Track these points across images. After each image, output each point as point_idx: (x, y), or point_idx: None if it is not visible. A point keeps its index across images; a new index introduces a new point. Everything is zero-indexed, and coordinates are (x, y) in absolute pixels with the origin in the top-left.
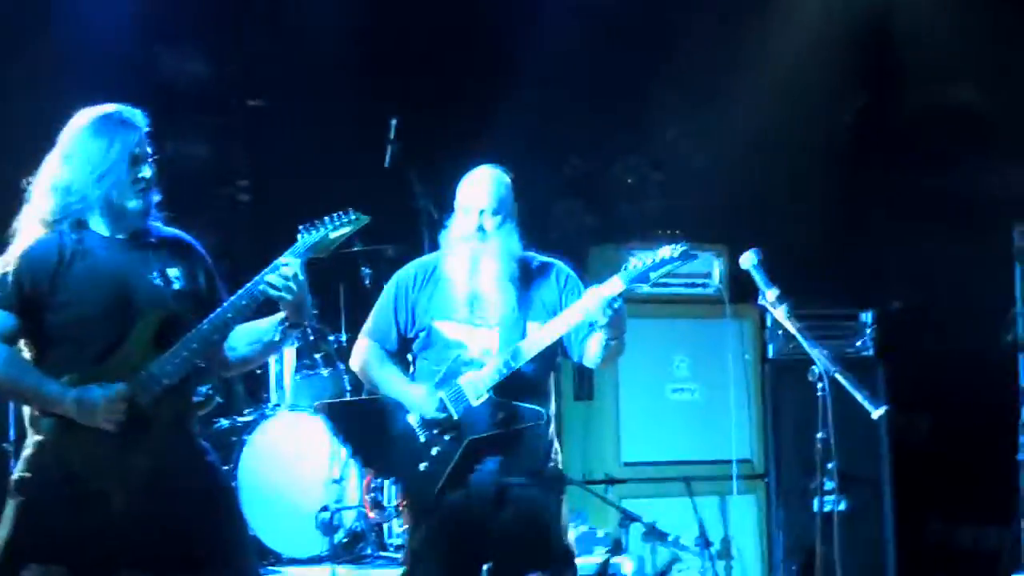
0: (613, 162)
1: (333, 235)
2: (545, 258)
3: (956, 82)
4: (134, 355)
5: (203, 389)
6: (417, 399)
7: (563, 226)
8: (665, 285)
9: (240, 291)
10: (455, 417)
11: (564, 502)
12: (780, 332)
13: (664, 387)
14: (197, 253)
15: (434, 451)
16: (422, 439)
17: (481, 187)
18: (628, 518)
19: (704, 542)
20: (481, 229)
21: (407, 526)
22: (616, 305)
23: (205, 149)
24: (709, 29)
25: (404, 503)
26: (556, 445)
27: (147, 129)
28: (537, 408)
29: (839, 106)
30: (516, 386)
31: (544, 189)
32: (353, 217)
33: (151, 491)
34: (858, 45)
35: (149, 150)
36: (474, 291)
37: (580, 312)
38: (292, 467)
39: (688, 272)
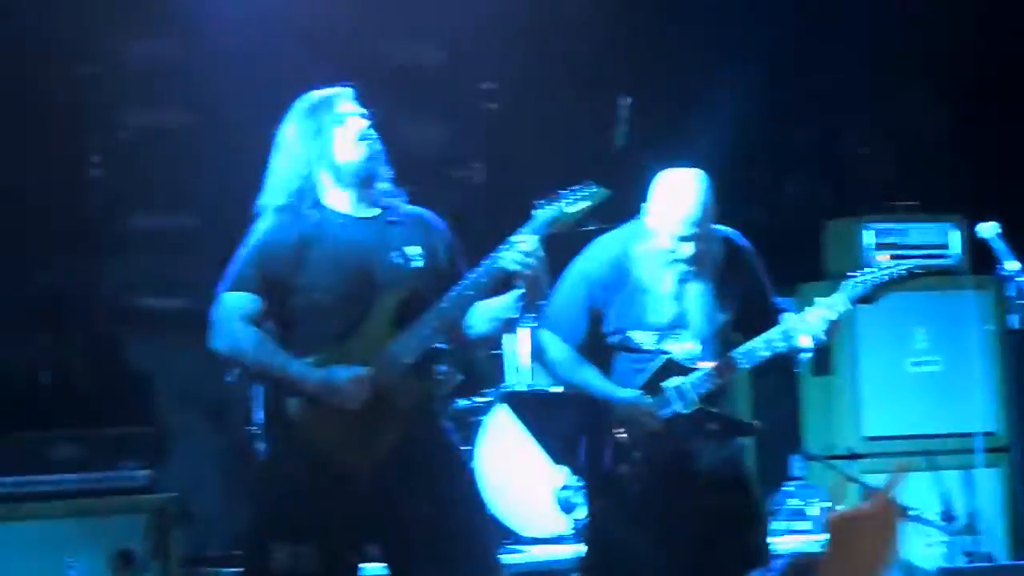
0: (845, 132)
1: (570, 209)
2: (737, 238)
3: None
4: (376, 334)
5: (444, 368)
6: (624, 400)
7: (795, 201)
8: (904, 257)
9: (478, 268)
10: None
11: None
12: (1022, 303)
13: (904, 360)
14: (439, 230)
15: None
16: (624, 440)
17: (695, 204)
18: (870, 493)
19: (948, 516)
20: (693, 257)
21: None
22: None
23: (440, 132)
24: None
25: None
26: None
27: (359, 101)
28: (755, 422)
29: None
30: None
31: (774, 163)
32: (592, 191)
33: (395, 469)
34: None
35: (364, 117)
36: (673, 309)
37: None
38: (530, 446)
39: (927, 243)
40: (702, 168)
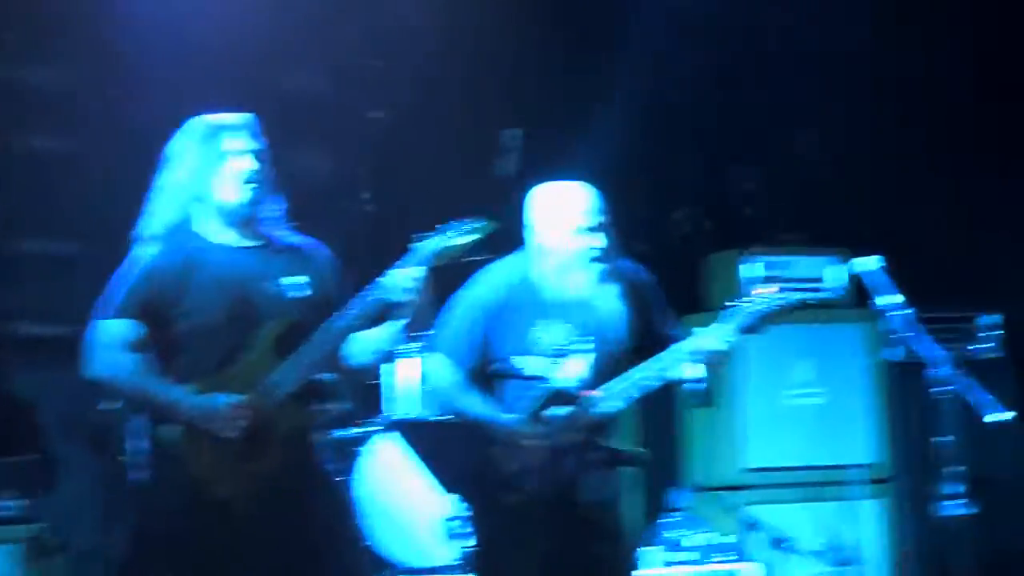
0: (732, 167)
1: (457, 242)
2: (639, 270)
3: None
4: (257, 363)
5: (323, 398)
6: (508, 428)
7: (680, 231)
8: (788, 290)
9: (361, 299)
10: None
11: None
12: (902, 335)
13: (786, 392)
14: (323, 260)
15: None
16: (510, 468)
17: (589, 202)
18: (751, 525)
19: (829, 548)
20: (603, 250)
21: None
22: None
23: (328, 161)
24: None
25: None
26: None
27: (252, 130)
28: (641, 451)
29: (967, 107)
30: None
31: (660, 195)
32: (479, 224)
33: (270, 499)
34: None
35: (254, 148)
36: (584, 316)
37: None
38: (413, 476)
39: (810, 276)
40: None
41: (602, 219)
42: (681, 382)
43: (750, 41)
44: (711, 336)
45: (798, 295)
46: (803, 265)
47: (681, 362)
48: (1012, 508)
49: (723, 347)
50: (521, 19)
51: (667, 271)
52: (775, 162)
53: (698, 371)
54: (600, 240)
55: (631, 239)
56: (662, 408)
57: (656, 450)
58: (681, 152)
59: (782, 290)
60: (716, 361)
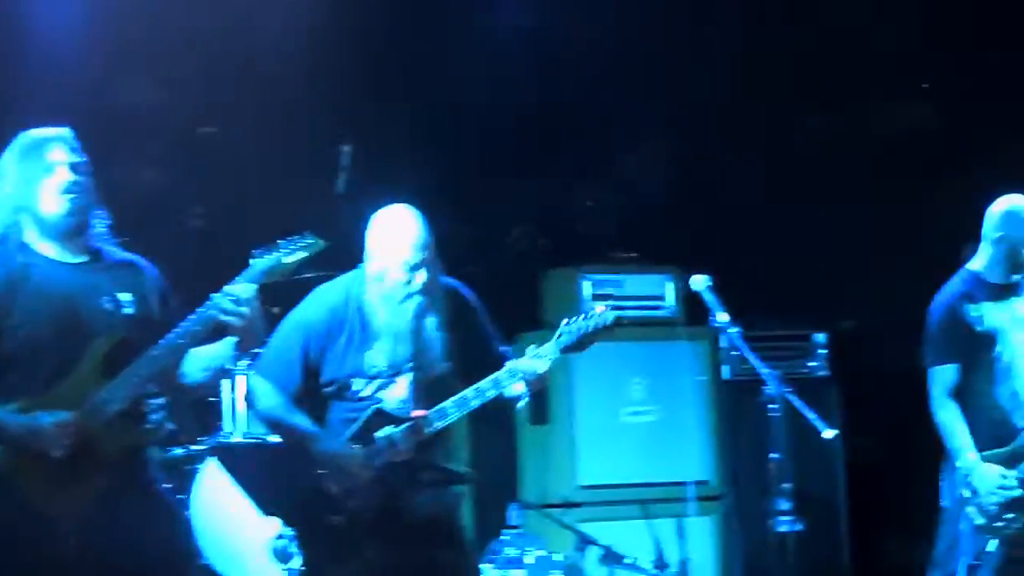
0: (570, 186)
1: (287, 260)
2: (461, 288)
3: (920, 106)
4: (84, 381)
5: (155, 416)
6: (331, 450)
7: (517, 249)
8: (621, 308)
9: (192, 316)
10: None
11: None
12: (734, 353)
13: (620, 410)
14: (151, 277)
15: (351, 503)
16: (335, 490)
17: (417, 235)
18: (585, 541)
19: (661, 564)
20: (426, 284)
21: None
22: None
23: (159, 176)
24: (677, 51)
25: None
26: None
27: (72, 144)
28: (464, 471)
29: (794, 129)
30: (434, 439)
31: (499, 212)
32: (309, 241)
33: (100, 518)
34: (818, 64)
35: (74, 161)
36: (409, 346)
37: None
38: (241, 497)
39: (643, 294)
40: (424, 218)
41: (427, 254)
42: (512, 400)
43: (584, 62)
44: (535, 356)
45: (616, 313)
46: (636, 283)
47: (508, 381)
48: (834, 525)
49: (543, 368)
50: (355, 35)
51: (504, 288)
52: (609, 181)
53: (523, 387)
54: (423, 276)
55: (467, 256)
56: (497, 426)
57: (491, 467)
58: (518, 171)
59: (611, 308)
60: (539, 380)
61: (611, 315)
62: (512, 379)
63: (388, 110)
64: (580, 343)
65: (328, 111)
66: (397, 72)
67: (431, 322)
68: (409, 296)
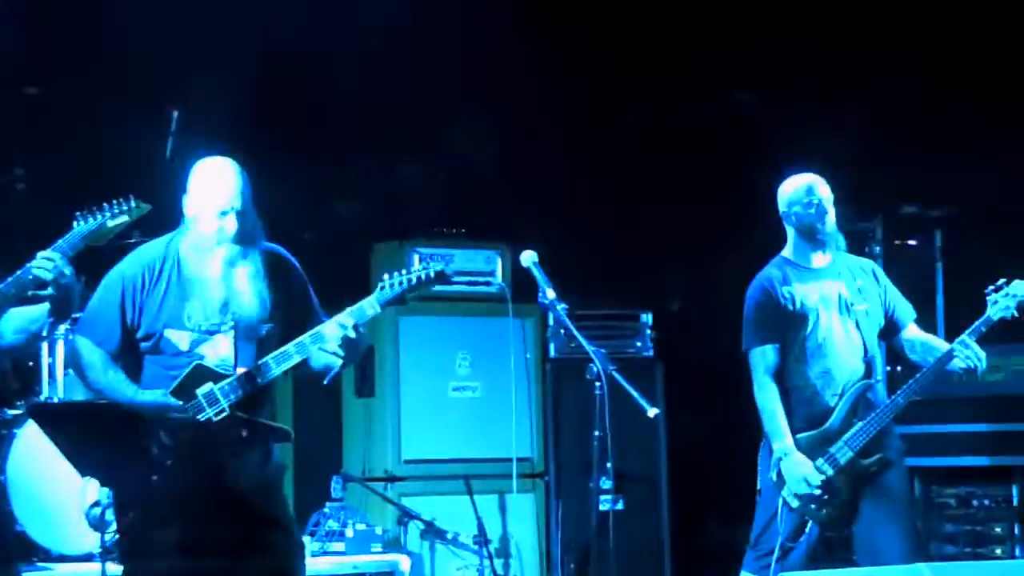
0: (399, 160)
1: (111, 223)
2: (282, 251)
3: (736, 88)
4: None
5: None
6: (150, 404)
7: (346, 222)
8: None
9: (9, 279)
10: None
11: None
12: (561, 331)
13: (446, 385)
14: None
15: (169, 462)
16: (154, 449)
17: (232, 183)
18: (407, 515)
19: (482, 540)
20: (239, 233)
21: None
22: (354, 334)
23: None
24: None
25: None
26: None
27: None
28: (286, 428)
29: (622, 109)
30: (257, 399)
31: (327, 186)
32: (132, 205)
33: None
34: (640, 49)
35: None
36: (222, 294)
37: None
38: (63, 462)
39: (471, 270)
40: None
41: (239, 202)
42: (332, 365)
43: (416, 35)
44: (357, 310)
45: (438, 267)
46: (465, 258)
47: (331, 334)
48: (655, 504)
49: (370, 313)
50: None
51: (332, 261)
52: (442, 157)
53: (337, 332)
54: (233, 221)
55: (296, 228)
56: (322, 397)
57: (315, 439)
58: (349, 143)
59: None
60: (359, 339)
61: (434, 268)
62: (339, 335)
63: (218, 78)
64: (402, 296)
65: (153, 71)
66: (228, 41)
67: (244, 271)
68: (220, 242)
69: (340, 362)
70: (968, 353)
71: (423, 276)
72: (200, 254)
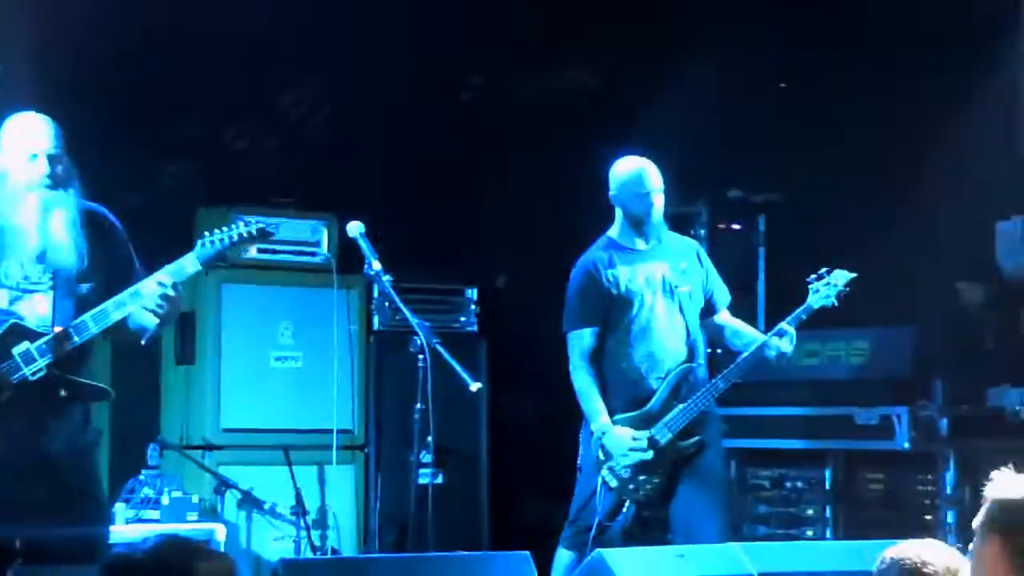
0: (226, 125)
1: None
2: (102, 211)
3: (569, 65)
4: None
5: None
6: None
7: (171, 187)
8: (273, 251)
9: None
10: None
11: None
12: (386, 304)
13: (268, 354)
14: None
15: None
16: None
17: (42, 130)
18: (224, 484)
19: (300, 510)
20: (51, 176)
21: None
22: (172, 292)
23: None
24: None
25: None
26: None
27: None
28: (105, 387)
29: (455, 83)
30: (76, 359)
31: (151, 149)
32: None
33: None
34: (482, 22)
35: None
36: (37, 244)
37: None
38: None
39: (297, 240)
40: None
41: (51, 148)
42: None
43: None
44: (175, 268)
45: (258, 225)
46: (290, 228)
47: (148, 292)
48: (475, 479)
49: (190, 271)
50: None
51: (158, 222)
52: (269, 125)
53: (156, 288)
54: (44, 166)
55: (120, 191)
56: (141, 363)
57: (133, 405)
58: (175, 108)
59: (263, 252)
60: (181, 297)
61: (256, 225)
62: (158, 293)
63: (35, 43)
64: (221, 254)
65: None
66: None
67: (60, 219)
68: (30, 188)
69: (156, 321)
70: (781, 343)
71: (244, 233)
72: (12, 203)
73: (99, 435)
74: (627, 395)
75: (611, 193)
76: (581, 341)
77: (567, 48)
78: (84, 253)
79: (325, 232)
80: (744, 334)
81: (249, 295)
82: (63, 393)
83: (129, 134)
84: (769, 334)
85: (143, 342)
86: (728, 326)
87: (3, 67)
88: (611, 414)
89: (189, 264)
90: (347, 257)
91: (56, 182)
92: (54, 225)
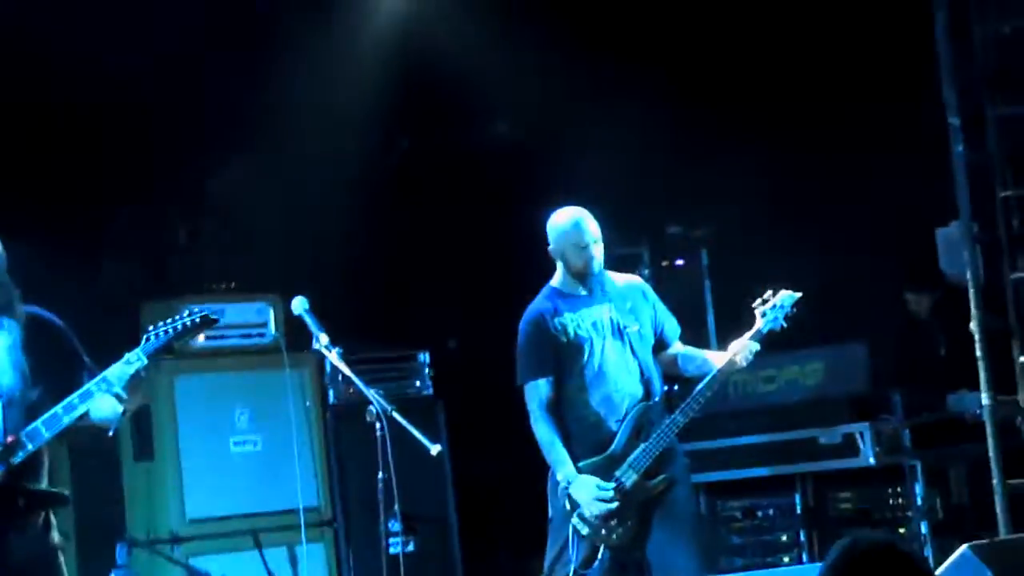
0: (164, 214)
1: None
2: (44, 314)
3: (501, 121)
4: None
5: None
6: None
7: (113, 282)
8: (222, 337)
9: None
10: None
11: None
12: (340, 378)
13: (226, 440)
14: None
15: None
16: None
17: None
18: None
19: None
20: None
21: None
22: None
23: None
24: (251, 71)
25: None
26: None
27: None
28: (62, 492)
29: (385, 148)
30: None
31: (92, 244)
32: None
33: None
34: (401, 87)
35: None
36: None
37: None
38: None
39: (244, 323)
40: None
41: None
42: (109, 421)
43: (176, 89)
44: (123, 362)
45: (203, 312)
46: (236, 311)
47: (97, 391)
48: (446, 542)
49: (131, 370)
50: None
51: (101, 320)
52: (206, 210)
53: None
54: None
55: (65, 287)
56: (100, 464)
57: (96, 507)
58: (113, 201)
59: (208, 339)
60: (134, 394)
61: (199, 313)
62: (100, 390)
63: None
64: (167, 345)
65: None
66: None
67: (7, 337)
68: None
69: (120, 409)
70: (742, 359)
71: (188, 323)
72: None
73: (64, 540)
74: (588, 440)
75: (550, 247)
76: (538, 392)
77: (493, 101)
78: (25, 369)
79: (271, 312)
80: (695, 357)
81: (202, 384)
82: (21, 503)
83: (65, 232)
84: (714, 371)
85: (110, 432)
86: (680, 354)
87: None
88: (575, 461)
89: (135, 358)
90: (295, 335)
91: None
92: (3, 345)
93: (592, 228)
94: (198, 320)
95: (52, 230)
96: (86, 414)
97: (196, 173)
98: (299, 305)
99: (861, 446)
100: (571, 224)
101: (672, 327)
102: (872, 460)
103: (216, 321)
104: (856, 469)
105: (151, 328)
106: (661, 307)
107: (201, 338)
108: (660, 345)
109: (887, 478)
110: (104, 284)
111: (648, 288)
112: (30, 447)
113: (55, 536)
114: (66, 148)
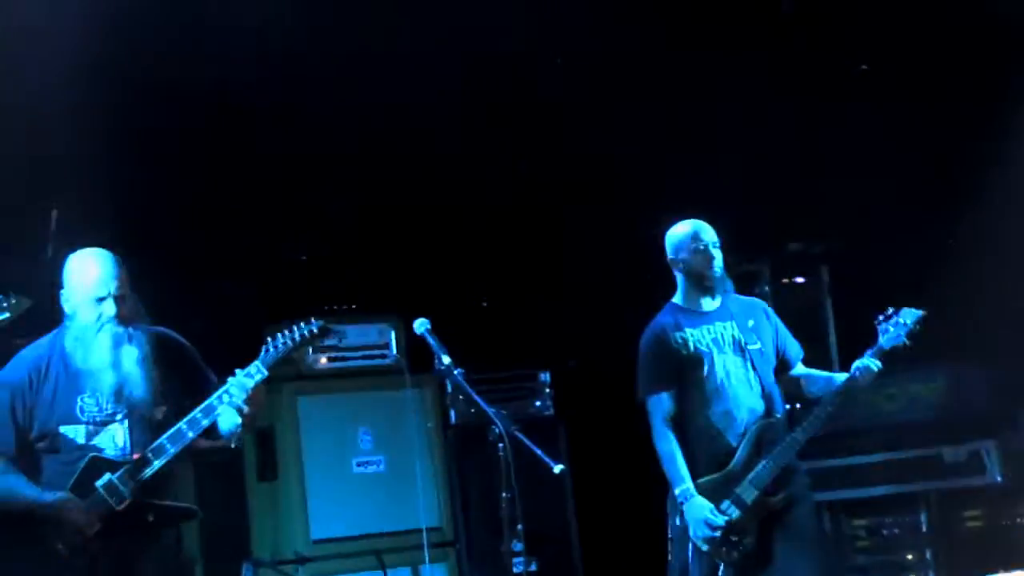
0: (280, 241)
1: None
2: (169, 333)
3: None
4: None
5: None
6: (51, 505)
7: (235, 306)
8: (344, 359)
9: None
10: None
11: None
12: (460, 398)
13: (349, 461)
14: None
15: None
16: (61, 547)
17: (107, 270)
18: None
19: None
20: (118, 316)
21: None
22: (256, 391)
23: None
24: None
25: None
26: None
27: None
28: (190, 506)
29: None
30: (159, 483)
31: (214, 268)
32: (12, 301)
33: None
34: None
35: None
36: (113, 380)
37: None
38: None
39: (365, 344)
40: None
41: (114, 287)
42: (232, 434)
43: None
44: (244, 374)
45: (320, 323)
46: (358, 333)
47: (220, 406)
48: (568, 560)
49: (252, 383)
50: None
51: (226, 345)
52: (324, 234)
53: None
54: (111, 307)
55: (188, 310)
56: (226, 484)
57: (222, 527)
58: (232, 226)
59: (332, 360)
60: (253, 407)
61: (317, 324)
62: (223, 403)
63: (95, 173)
64: (286, 356)
65: (26, 164)
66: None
67: (130, 354)
68: (101, 328)
69: (239, 420)
70: (865, 373)
71: (306, 333)
72: (85, 344)
73: (193, 562)
74: (708, 454)
75: (669, 258)
76: (660, 405)
77: (610, 122)
78: (157, 382)
79: (392, 333)
80: (818, 378)
81: (325, 405)
82: (151, 518)
83: (188, 258)
84: (839, 384)
85: (233, 445)
86: (802, 375)
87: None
88: (695, 477)
89: (256, 370)
90: (417, 356)
91: (125, 320)
92: (127, 361)
93: (709, 234)
94: (316, 330)
95: (175, 253)
96: (202, 436)
97: (314, 197)
98: (421, 326)
99: (987, 463)
100: (690, 229)
101: (795, 349)
102: (999, 477)
103: (332, 331)
104: (982, 486)
105: (269, 340)
106: (783, 329)
107: (324, 360)
108: (783, 366)
109: (1015, 495)
110: (226, 307)
111: (771, 310)
112: (156, 464)
113: (184, 556)
114: (187, 172)
